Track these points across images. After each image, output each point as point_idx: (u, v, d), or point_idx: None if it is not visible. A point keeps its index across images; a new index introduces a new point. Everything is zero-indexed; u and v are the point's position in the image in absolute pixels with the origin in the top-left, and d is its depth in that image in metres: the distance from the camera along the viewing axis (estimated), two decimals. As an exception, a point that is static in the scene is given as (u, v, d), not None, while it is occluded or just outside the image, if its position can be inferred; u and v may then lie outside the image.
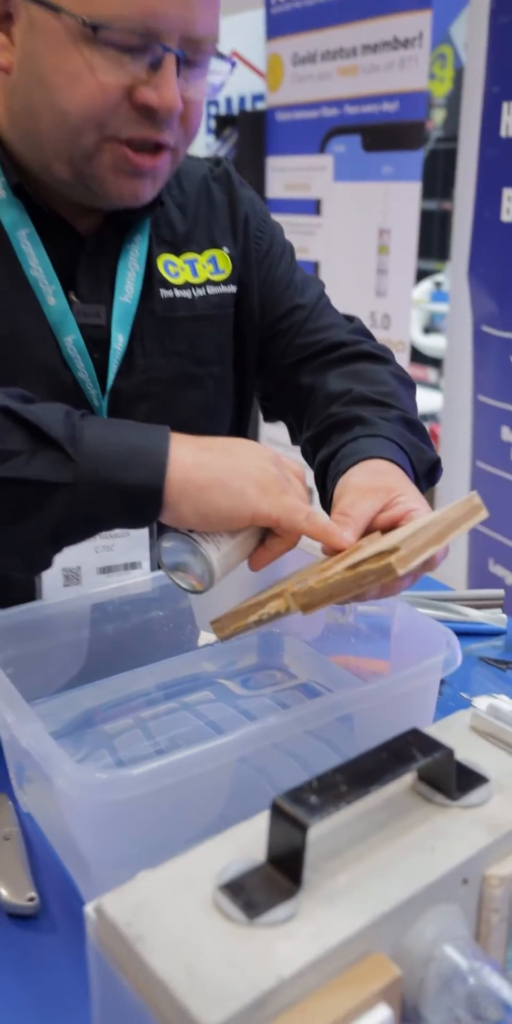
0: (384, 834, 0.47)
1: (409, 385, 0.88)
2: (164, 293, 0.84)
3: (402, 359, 2.39)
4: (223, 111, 3.78)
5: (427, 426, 3.19)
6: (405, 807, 0.48)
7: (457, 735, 0.54)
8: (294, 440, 0.94)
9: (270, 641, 0.83)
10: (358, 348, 0.89)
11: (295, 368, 0.90)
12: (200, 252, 0.87)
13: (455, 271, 2.39)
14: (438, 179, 3.78)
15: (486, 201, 1.92)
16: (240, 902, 0.43)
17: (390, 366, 0.88)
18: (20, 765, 0.68)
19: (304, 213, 2.54)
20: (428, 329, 4.05)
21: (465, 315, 2.35)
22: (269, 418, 1.00)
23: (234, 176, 0.93)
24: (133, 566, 0.82)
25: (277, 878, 0.44)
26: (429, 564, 0.62)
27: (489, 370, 1.99)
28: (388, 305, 2.37)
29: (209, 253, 0.88)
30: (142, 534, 0.83)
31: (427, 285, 3.98)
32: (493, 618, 0.93)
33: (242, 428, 0.97)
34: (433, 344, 3.60)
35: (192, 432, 0.87)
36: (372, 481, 0.69)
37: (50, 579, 0.79)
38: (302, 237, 2.60)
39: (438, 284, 3.88)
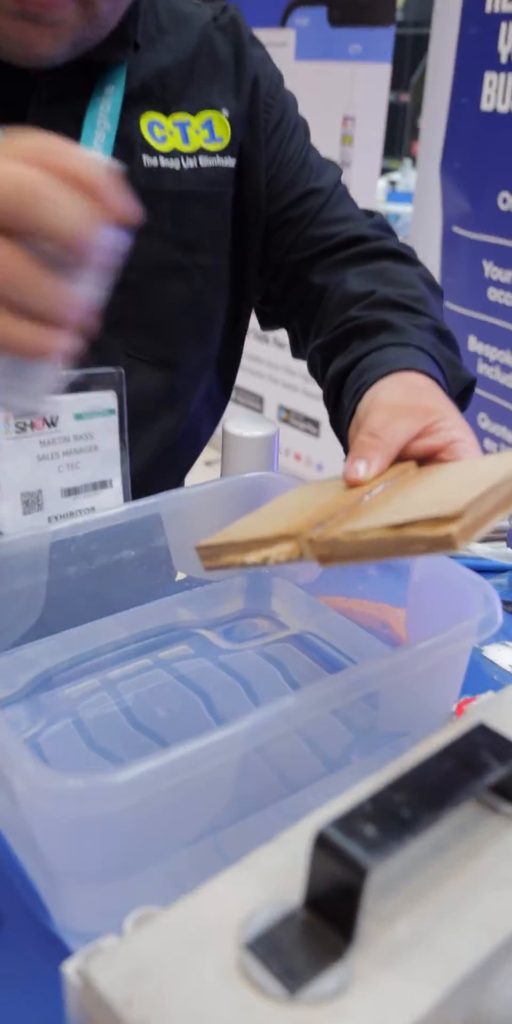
0: (449, 860, 0.37)
1: (438, 292, 0.76)
2: (147, 161, 0.70)
3: (364, 261, 2.25)
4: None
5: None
6: (472, 823, 0.39)
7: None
8: (296, 351, 0.81)
9: (256, 584, 0.72)
10: (381, 244, 0.75)
11: (306, 264, 0.76)
12: (194, 114, 0.72)
13: (423, 167, 2.24)
14: (395, 67, 3.56)
15: (464, 87, 1.76)
16: (275, 967, 0.32)
17: (418, 268, 0.76)
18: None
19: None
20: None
21: (432, 216, 2.21)
22: (268, 325, 0.87)
23: (244, 28, 0.76)
24: (103, 485, 0.70)
25: (321, 930, 0.34)
26: None
27: (458, 275, 1.87)
28: (350, 201, 2.21)
29: (204, 115, 0.72)
30: (113, 448, 0.70)
31: (382, 184, 3.79)
32: (498, 553, 0.83)
33: (238, 335, 0.84)
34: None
35: (176, 334, 0.73)
36: (408, 398, 0.57)
37: (8, 507, 0.66)
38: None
39: (393, 183, 3.69)
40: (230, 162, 0.74)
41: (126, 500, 0.71)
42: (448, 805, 0.35)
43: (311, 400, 2.55)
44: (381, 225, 0.79)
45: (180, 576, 0.72)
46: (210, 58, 0.73)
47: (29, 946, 0.48)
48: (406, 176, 3.71)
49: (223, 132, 0.73)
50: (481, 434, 1.92)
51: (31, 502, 0.68)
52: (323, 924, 0.34)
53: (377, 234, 0.77)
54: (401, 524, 0.44)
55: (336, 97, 2.12)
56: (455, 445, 0.54)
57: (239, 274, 0.78)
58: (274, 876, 0.36)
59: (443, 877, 0.36)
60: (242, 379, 2.78)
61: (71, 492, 0.69)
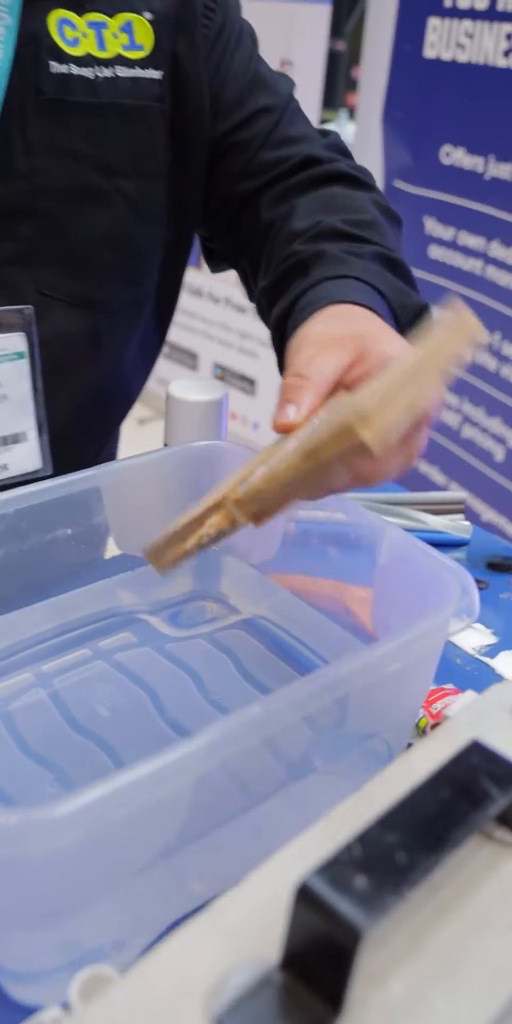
0: (445, 899, 0.33)
1: (394, 218, 0.69)
2: (56, 67, 0.60)
3: (301, 214, 2.18)
4: None
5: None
6: (472, 859, 0.34)
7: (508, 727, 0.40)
8: (249, 294, 0.74)
9: (204, 564, 0.66)
10: (333, 168, 0.69)
11: (255, 195, 0.69)
12: (111, 15, 0.63)
13: (362, 118, 2.17)
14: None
15: (406, 34, 1.70)
16: (253, 1046, 0.27)
17: (372, 193, 0.69)
18: None
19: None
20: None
21: (372, 167, 2.15)
22: (215, 264, 0.79)
23: None
24: (14, 439, 0.63)
25: (303, 996, 0.29)
26: (421, 426, 0.46)
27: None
28: (288, 151, 2.13)
29: (123, 18, 0.63)
30: (24, 396, 0.63)
31: (316, 135, 3.70)
32: (455, 527, 0.79)
33: (176, 273, 0.76)
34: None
35: (96, 270, 0.65)
36: (335, 329, 0.52)
37: None
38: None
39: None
40: (154, 74, 0.65)
41: (43, 456, 0.64)
42: (449, 845, 0.30)
43: (247, 357, 2.48)
44: (336, 146, 0.72)
45: (113, 552, 0.65)
46: None
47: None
48: (342, 127, 3.63)
49: (145, 39, 0.64)
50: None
51: None
52: (305, 989, 0.29)
53: (330, 156, 0.70)
54: (312, 449, 0.40)
55: (273, 40, 2.03)
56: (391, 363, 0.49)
57: (177, 203, 0.70)
58: (244, 929, 0.31)
59: (439, 921, 0.32)
60: (175, 335, 2.69)
61: None
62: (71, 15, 0.61)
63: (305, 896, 0.29)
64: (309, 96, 2.03)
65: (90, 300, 0.67)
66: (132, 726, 0.54)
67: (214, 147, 0.69)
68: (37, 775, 0.51)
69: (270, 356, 2.51)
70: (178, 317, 2.66)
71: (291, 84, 0.74)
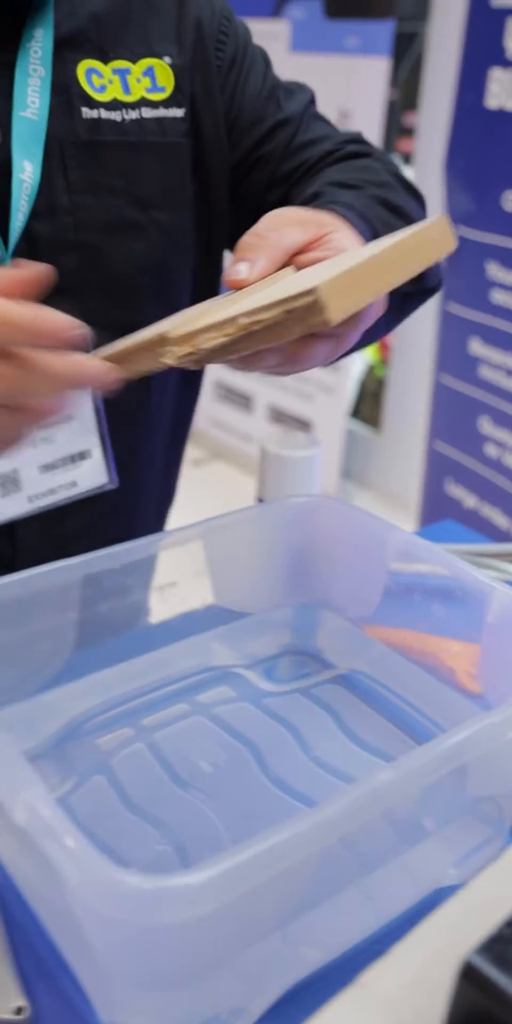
0: None
1: (412, 190, 0.72)
2: (87, 113, 0.65)
3: (359, 260, 2.20)
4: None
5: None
6: None
7: None
8: None
9: (299, 618, 0.66)
10: (347, 149, 0.73)
11: (283, 201, 0.72)
12: (134, 61, 0.67)
13: (421, 164, 2.19)
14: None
15: (469, 84, 1.71)
16: None
17: (389, 166, 0.72)
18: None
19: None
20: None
21: (429, 213, 2.16)
22: None
23: None
24: (81, 456, 0.66)
25: None
26: (356, 323, 0.50)
27: (462, 276, 1.83)
28: (346, 199, 2.16)
29: (145, 63, 0.68)
30: (88, 415, 0.66)
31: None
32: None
33: (209, 295, 0.78)
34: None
35: (136, 297, 0.69)
36: (300, 213, 0.55)
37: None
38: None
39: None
40: (177, 112, 0.69)
41: (109, 471, 0.67)
42: None
43: (302, 400, 2.49)
44: (358, 139, 0.75)
45: (205, 603, 0.65)
46: (146, 2, 0.69)
47: (73, 1052, 0.42)
48: (415, 171, 3.67)
49: (166, 81, 0.69)
50: (482, 439, 1.88)
51: (7, 483, 0.64)
52: None
53: (347, 140, 0.74)
54: (272, 303, 0.42)
55: (332, 91, 2.06)
56: (346, 254, 0.51)
57: (202, 231, 0.74)
58: (399, 1003, 0.31)
59: None
60: (230, 377, 2.71)
61: (49, 468, 0.65)
62: (98, 64, 0.65)
63: (470, 975, 0.28)
64: (368, 145, 2.06)
65: (131, 325, 0.69)
66: (236, 782, 0.54)
67: (238, 168, 0.73)
68: (144, 832, 0.50)
69: (326, 399, 2.51)
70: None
71: (306, 93, 0.76)
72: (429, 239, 0.46)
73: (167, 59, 0.68)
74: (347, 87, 2.05)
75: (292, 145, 0.73)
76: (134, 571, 0.56)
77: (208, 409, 2.76)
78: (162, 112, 0.68)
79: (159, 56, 0.68)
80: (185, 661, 0.62)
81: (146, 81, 0.68)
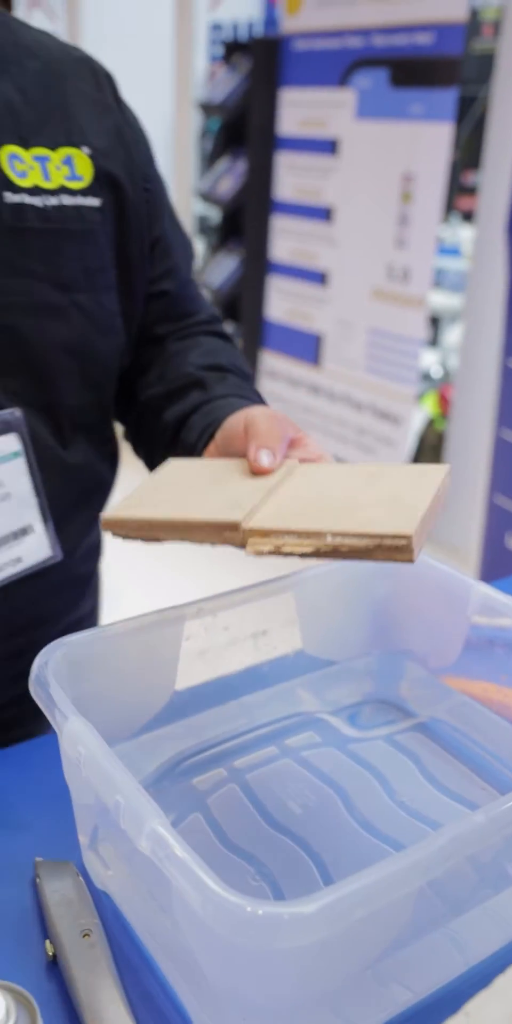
0: None
1: (254, 383, 0.84)
2: (9, 198, 0.67)
3: (420, 316, 2.24)
4: (232, 36, 3.50)
5: (430, 388, 3.05)
6: None
7: None
8: (122, 409, 0.84)
9: (382, 667, 0.69)
10: (223, 329, 0.86)
11: (166, 337, 0.82)
12: (53, 149, 0.70)
13: (483, 223, 2.24)
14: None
15: (532, 147, 1.76)
16: None
17: (237, 350, 0.85)
18: (95, 828, 0.53)
19: (320, 152, 2.35)
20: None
21: (490, 269, 2.21)
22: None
23: (114, 82, 0.78)
24: (24, 532, 0.66)
25: None
26: None
27: (524, 333, 1.85)
28: (408, 257, 2.21)
29: (64, 152, 0.70)
30: (26, 492, 0.66)
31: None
32: None
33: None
34: (433, 300, 3.44)
35: (57, 377, 0.72)
36: (276, 415, 0.64)
37: None
38: (316, 179, 2.42)
39: (439, 238, 3.70)
40: (93, 201, 0.72)
41: (52, 543, 0.67)
42: None
43: (363, 452, 2.53)
44: (216, 313, 0.87)
45: (294, 650, 0.68)
46: (68, 93, 0.72)
47: None
48: (455, 230, 3.72)
49: (84, 171, 0.71)
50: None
51: None
52: None
53: (218, 319, 0.86)
54: (360, 533, 0.48)
55: (396, 155, 2.13)
56: (324, 456, 0.63)
57: (126, 313, 0.77)
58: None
59: None
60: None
61: None
62: (19, 150, 0.68)
63: None
64: (430, 207, 2.11)
65: (56, 405, 0.73)
66: (324, 823, 0.56)
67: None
68: (239, 868, 0.53)
69: (386, 452, 2.53)
70: (295, 413, 2.74)
71: (192, 251, 0.86)
72: (444, 487, 0.55)
73: (86, 149, 0.71)
74: (411, 151, 2.11)
75: (188, 290, 0.83)
76: (232, 619, 0.60)
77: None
78: (80, 200, 0.71)
79: (77, 146, 0.71)
80: (274, 706, 0.66)
81: (65, 169, 0.70)
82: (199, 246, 3.60)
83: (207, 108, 2.97)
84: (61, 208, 0.69)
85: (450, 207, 3.98)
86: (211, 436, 0.69)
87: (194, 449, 0.71)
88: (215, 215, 3.28)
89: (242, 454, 0.62)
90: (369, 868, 0.39)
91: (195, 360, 0.78)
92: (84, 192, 0.71)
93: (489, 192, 2.17)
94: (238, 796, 0.58)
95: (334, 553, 0.49)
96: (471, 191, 3.55)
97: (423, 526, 0.49)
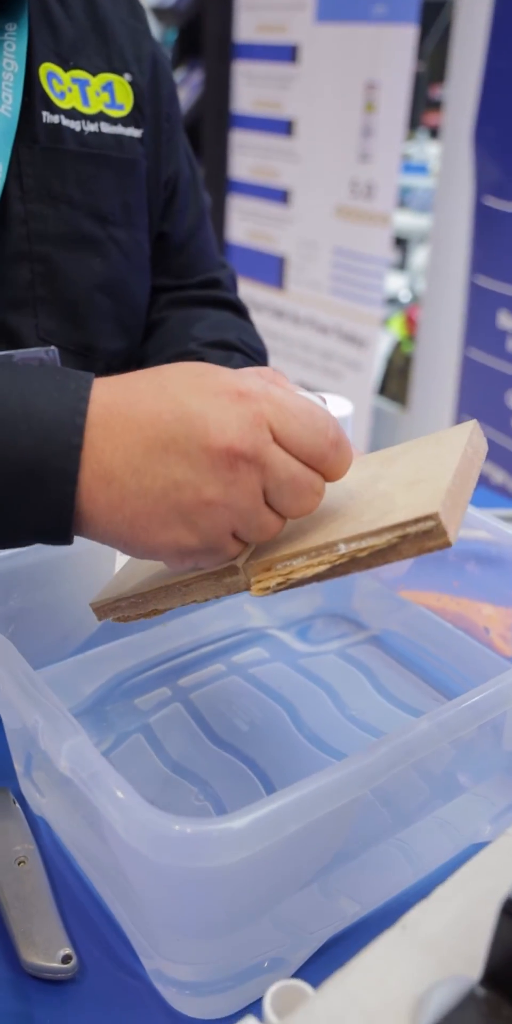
0: None
1: (266, 359, 0.78)
2: (48, 117, 0.62)
3: (385, 236, 2.18)
4: None
5: (398, 311, 3.00)
6: None
7: None
8: None
9: (335, 581, 0.66)
10: (228, 296, 0.78)
11: (156, 292, 0.75)
12: (93, 74, 0.65)
13: (449, 137, 2.16)
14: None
15: (500, 52, 1.69)
16: (464, 1065, 0.27)
17: (254, 329, 0.78)
18: (29, 755, 0.51)
19: (278, 60, 2.25)
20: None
21: (457, 186, 2.14)
22: None
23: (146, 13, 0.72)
24: None
25: (509, 1012, 0.28)
26: None
27: (490, 248, 1.81)
28: (372, 172, 2.14)
29: (105, 78, 0.66)
30: None
31: (393, 155, 3.69)
32: None
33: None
34: (400, 221, 3.36)
35: (92, 317, 0.66)
36: None
37: None
38: (275, 90, 2.32)
39: (406, 155, 3.60)
40: (134, 132, 0.67)
41: None
42: None
43: (330, 378, 2.49)
44: (232, 278, 0.80)
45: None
46: (108, 19, 0.68)
47: (115, 997, 0.42)
48: (422, 147, 3.62)
49: (125, 99, 0.67)
50: (507, 413, 1.86)
51: None
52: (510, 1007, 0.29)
53: (228, 285, 0.79)
54: (377, 530, 0.39)
55: (358, 62, 2.04)
56: None
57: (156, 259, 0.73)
58: (441, 944, 0.31)
59: None
60: (256, 357, 2.71)
61: None
62: (58, 69, 0.63)
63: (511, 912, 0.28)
64: (394, 119, 2.03)
65: (88, 347, 0.68)
66: (272, 740, 0.54)
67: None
68: (182, 788, 0.51)
69: (354, 376, 2.50)
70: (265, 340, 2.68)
71: (209, 201, 0.79)
72: (477, 444, 0.45)
73: (127, 76, 0.67)
74: (374, 57, 2.02)
75: (191, 244, 0.76)
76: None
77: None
78: (120, 129, 0.66)
79: (119, 73, 0.66)
80: (220, 623, 0.63)
81: (105, 96, 0.66)
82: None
83: (159, 12, 2.83)
84: (100, 135, 0.65)
85: (417, 123, 3.88)
86: None
87: None
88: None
89: None
90: (302, 780, 0.37)
91: (199, 334, 0.71)
92: (124, 121, 0.66)
93: (455, 105, 2.10)
94: (182, 715, 0.56)
95: (355, 564, 0.40)
96: (438, 106, 3.44)
97: (454, 499, 0.39)
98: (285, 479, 0.39)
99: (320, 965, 0.44)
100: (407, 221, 3.37)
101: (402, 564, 0.61)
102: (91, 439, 0.38)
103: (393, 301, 3.27)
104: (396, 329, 2.75)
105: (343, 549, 0.40)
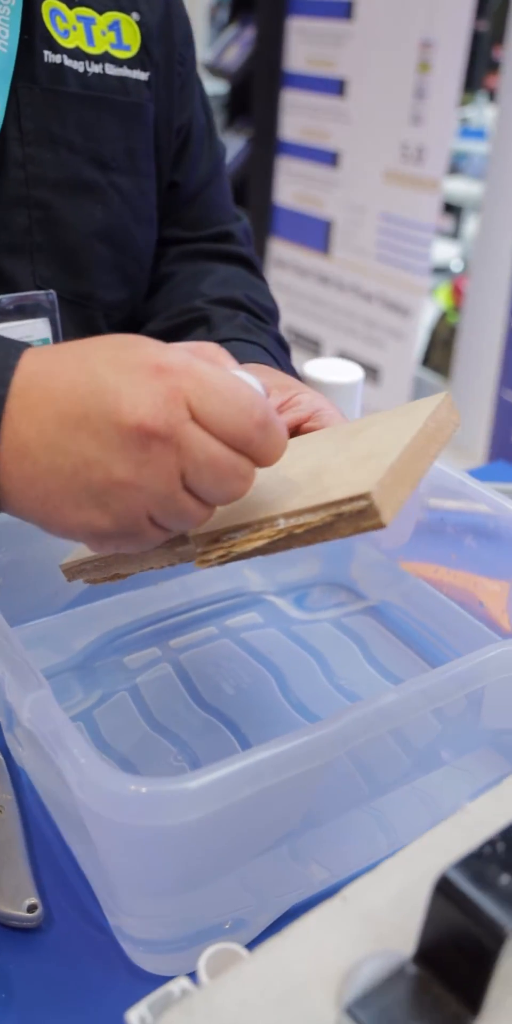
0: None
1: (277, 318, 0.74)
2: (49, 57, 0.60)
3: (434, 203, 2.13)
4: None
5: (447, 280, 2.93)
6: None
7: None
8: None
9: (332, 549, 0.65)
10: (241, 250, 0.73)
11: (165, 244, 0.72)
12: (100, 12, 0.62)
13: (505, 99, 2.10)
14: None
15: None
16: (386, 1043, 0.26)
17: (265, 284, 0.74)
18: (10, 708, 0.51)
19: (332, 17, 2.20)
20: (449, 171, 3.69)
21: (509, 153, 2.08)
22: None
23: None
24: None
25: (438, 993, 0.28)
26: None
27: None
28: (424, 136, 2.08)
29: (111, 16, 0.63)
30: None
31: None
32: None
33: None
34: (455, 188, 3.27)
35: (91, 266, 0.64)
36: (263, 377, 0.52)
37: None
38: (329, 48, 2.27)
39: (464, 119, 3.50)
40: (141, 75, 0.65)
41: None
42: None
43: (372, 347, 2.45)
44: (246, 231, 0.77)
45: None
46: None
47: (79, 949, 0.43)
48: (480, 110, 3.51)
49: (132, 39, 0.64)
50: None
51: None
52: (441, 986, 0.28)
53: (241, 239, 0.75)
54: (312, 507, 0.38)
55: (413, 20, 1.98)
56: (320, 413, 0.51)
57: (161, 208, 0.71)
58: (377, 918, 0.30)
59: None
60: (299, 322, 2.68)
61: None
62: (62, 6, 0.61)
63: (445, 890, 0.27)
64: (449, 80, 1.97)
65: (87, 296, 0.66)
66: (257, 705, 0.54)
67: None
68: (162, 748, 0.51)
69: (396, 346, 2.46)
70: (303, 304, 2.65)
71: (224, 149, 0.76)
72: (443, 419, 0.43)
73: (135, 15, 0.64)
74: (430, 14, 1.96)
75: (203, 195, 0.73)
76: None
77: (277, 353, 2.73)
78: (126, 72, 0.64)
79: (126, 11, 0.64)
80: (216, 586, 0.63)
81: (111, 36, 0.63)
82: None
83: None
84: (104, 77, 0.63)
85: (477, 86, 3.75)
86: None
87: None
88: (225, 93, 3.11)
89: None
90: (263, 744, 0.36)
91: (206, 290, 0.69)
92: (130, 63, 0.64)
93: (511, 62, 2.03)
94: (169, 675, 0.56)
95: (292, 540, 0.39)
96: (498, 68, 3.34)
97: (398, 477, 0.38)
98: (203, 461, 0.36)
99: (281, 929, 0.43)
100: (462, 188, 3.28)
101: (404, 533, 0.60)
102: (10, 410, 0.36)
103: (443, 270, 3.20)
104: (442, 299, 2.70)
105: (282, 524, 0.39)
